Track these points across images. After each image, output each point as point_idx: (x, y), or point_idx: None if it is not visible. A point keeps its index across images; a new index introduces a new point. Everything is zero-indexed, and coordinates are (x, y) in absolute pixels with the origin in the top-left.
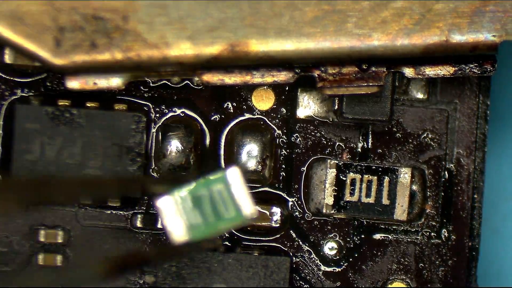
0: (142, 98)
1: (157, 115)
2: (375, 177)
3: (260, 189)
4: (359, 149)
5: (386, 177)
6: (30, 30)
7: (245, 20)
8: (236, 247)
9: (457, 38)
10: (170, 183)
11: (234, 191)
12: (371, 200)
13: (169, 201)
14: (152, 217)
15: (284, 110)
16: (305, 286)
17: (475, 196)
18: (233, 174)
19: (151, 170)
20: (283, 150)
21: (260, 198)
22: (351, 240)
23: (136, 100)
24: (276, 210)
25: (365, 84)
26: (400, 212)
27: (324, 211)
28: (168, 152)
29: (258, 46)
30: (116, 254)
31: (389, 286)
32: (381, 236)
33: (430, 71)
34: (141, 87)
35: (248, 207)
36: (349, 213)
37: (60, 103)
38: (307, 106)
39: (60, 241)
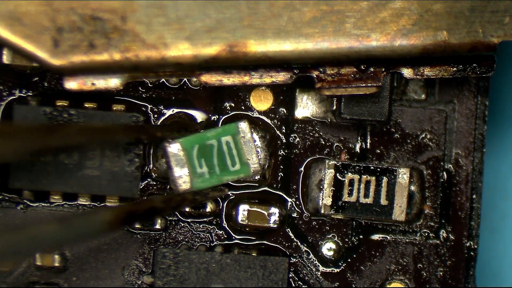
0: (140, 98)
1: (155, 115)
2: (374, 178)
3: (258, 190)
4: (357, 150)
5: (384, 177)
6: (28, 30)
7: (243, 21)
8: (234, 248)
9: (456, 38)
10: (177, 131)
11: (242, 144)
12: (369, 200)
13: (177, 147)
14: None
15: (282, 110)
16: (304, 286)
17: (474, 196)
18: (244, 127)
19: (149, 170)
20: (282, 150)
21: (258, 199)
22: (349, 241)
23: (134, 101)
24: (274, 211)
25: (364, 85)
26: (399, 212)
27: (322, 211)
28: None
29: (257, 46)
30: (124, 204)
31: (388, 286)
32: (379, 237)
33: (429, 71)
34: (139, 88)
35: (255, 162)
36: (347, 213)
37: (58, 104)
38: (306, 107)
39: None
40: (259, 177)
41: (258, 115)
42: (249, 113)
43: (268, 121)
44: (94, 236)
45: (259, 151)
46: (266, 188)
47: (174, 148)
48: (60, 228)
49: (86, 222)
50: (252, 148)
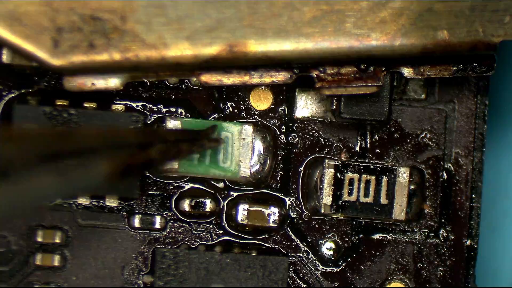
0: (140, 98)
1: (155, 115)
2: (373, 177)
3: (258, 189)
4: (357, 149)
5: (384, 176)
6: (28, 30)
7: (243, 21)
8: (234, 247)
9: (456, 37)
10: (188, 136)
11: (240, 146)
12: (369, 199)
13: (177, 125)
14: (150, 217)
15: (282, 110)
16: (304, 286)
17: (474, 195)
18: (248, 131)
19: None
20: (281, 150)
21: (258, 198)
22: (349, 240)
23: (133, 101)
24: (274, 210)
25: (364, 84)
26: (399, 211)
27: (322, 211)
28: None
29: (257, 46)
30: (121, 155)
31: (388, 286)
32: (379, 236)
33: (429, 71)
34: (139, 88)
35: (246, 167)
36: (347, 213)
37: (57, 103)
38: (305, 106)
39: (58, 241)
40: (243, 182)
41: (257, 115)
42: (255, 120)
43: (268, 121)
44: (91, 188)
45: (256, 159)
46: (266, 188)
47: (174, 124)
48: (58, 181)
49: (84, 174)
50: (248, 152)
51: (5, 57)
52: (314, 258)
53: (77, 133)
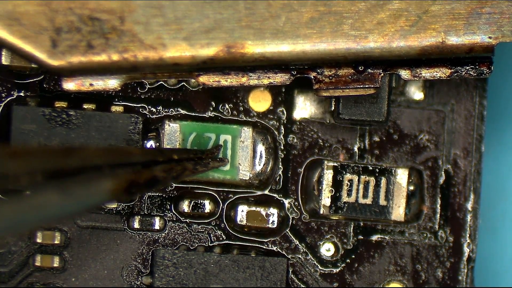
0: (139, 99)
1: (154, 116)
2: (372, 178)
3: (257, 190)
4: (356, 150)
5: (383, 178)
6: (26, 30)
7: (241, 21)
8: (233, 248)
9: (454, 40)
10: (193, 154)
11: (239, 148)
12: (368, 201)
13: (176, 128)
14: (149, 219)
15: (280, 111)
16: (302, 287)
17: (472, 197)
18: (247, 133)
19: None
20: (280, 151)
21: (257, 199)
22: (348, 241)
23: (132, 102)
24: (273, 211)
25: (361, 86)
26: (397, 213)
27: (321, 212)
28: None
29: (254, 47)
30: (125, 173)
31: (386, 287)
32: (378, 237)
33: (426, 73)
34: (138, 89)
35: (245, 170)
36: (346, 214)
37: (57, 105)
38: (304, 108)
39: (57, 242)
40: (243, 185)
41: (256, 117)
42: (253, 120)
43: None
44: (95, 205)
45: (257, 160)
46: (265, 190)
47: (173, 127)
48: (61, 198)
49: (88, 192)
50: (247, 155)
51: (4, 59)
52: (313, 259)
53: (81, 150)
